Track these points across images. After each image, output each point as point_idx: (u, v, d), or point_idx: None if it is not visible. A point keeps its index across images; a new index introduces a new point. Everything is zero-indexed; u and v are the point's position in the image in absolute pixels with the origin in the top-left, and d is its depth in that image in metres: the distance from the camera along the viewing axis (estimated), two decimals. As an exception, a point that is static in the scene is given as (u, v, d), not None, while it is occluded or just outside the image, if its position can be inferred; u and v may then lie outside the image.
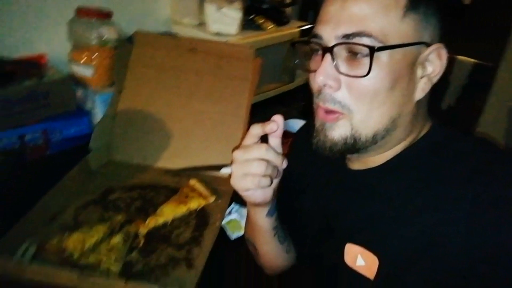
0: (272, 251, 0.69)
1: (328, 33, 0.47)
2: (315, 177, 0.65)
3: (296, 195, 0.68)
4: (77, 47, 1.15)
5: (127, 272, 0.74)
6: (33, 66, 1.12)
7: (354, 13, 0.45)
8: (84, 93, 1.16)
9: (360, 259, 0.51)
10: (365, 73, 0.45)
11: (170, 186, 0.99)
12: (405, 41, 0.46)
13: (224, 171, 0.58)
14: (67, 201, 0.90)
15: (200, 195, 0.94)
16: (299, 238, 0.70)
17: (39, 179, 0.98)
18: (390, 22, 0.45)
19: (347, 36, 0.45)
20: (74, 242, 0.78)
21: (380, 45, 0.45)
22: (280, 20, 1.49)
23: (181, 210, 0.90)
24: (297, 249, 0.72)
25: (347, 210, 0.56)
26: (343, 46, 0.46)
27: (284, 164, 0.54)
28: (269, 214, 0.62)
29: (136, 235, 0.83)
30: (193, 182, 0.97)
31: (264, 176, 0.51)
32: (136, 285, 0.67)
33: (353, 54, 0.46)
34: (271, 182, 0.54)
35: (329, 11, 0.48)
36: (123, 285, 0.68)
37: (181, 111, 1.08)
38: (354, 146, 0.50)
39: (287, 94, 1.60)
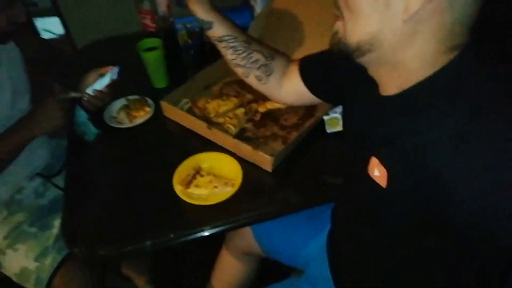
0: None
1: None
2: (354, 97, 0.71)
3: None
4: None
5: (240, 135, 1.00)
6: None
7: None
8: (251, -10, 1.36)
9: (376, 171, 0.59)
10: None
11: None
12: None
13: None
14: (219, 77, 1.19)
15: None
16: None
17: (207, 54, 1.28)
18: None
19: None
20: (213, 106, 1.07)
21: None
22: None
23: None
24: None
25: (373, 128, 0.63)
26: None
27: None
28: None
29: (256, 111, 1.06)
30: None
31: None
32: (239, 143, 0.92)
33: None
34: None
35: None
36: (231, 140, 0.94)
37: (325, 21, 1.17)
38: (346, 50, 0.58)
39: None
